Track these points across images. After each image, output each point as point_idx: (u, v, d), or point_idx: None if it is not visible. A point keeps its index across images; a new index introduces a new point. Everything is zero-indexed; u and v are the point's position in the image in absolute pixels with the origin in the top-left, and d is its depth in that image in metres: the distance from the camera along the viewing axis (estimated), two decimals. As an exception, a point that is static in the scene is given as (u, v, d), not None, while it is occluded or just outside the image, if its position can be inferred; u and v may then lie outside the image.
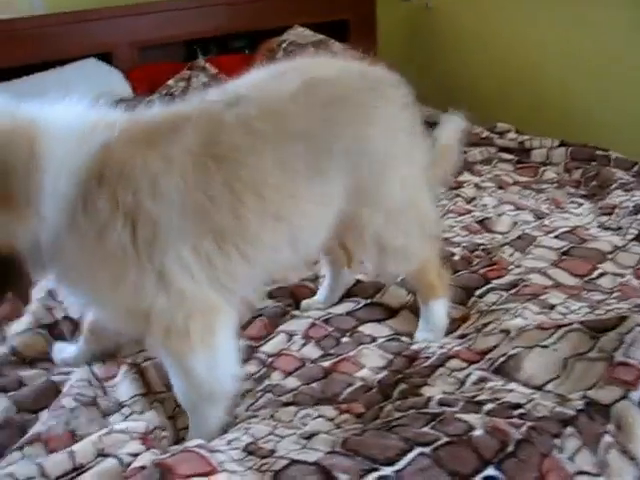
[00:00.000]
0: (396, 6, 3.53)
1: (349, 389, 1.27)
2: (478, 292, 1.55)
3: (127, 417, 1.26)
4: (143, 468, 1.01)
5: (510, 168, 2.38)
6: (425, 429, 1.01)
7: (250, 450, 1.04)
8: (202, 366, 1.15)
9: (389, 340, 1.44)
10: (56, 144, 1.09)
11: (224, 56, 3.09)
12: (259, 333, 1.47)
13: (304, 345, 1.42)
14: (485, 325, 1.36)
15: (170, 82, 2.90)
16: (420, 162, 1.39)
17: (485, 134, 2.54)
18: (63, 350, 1.45)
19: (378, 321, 1.51)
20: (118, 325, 1.23)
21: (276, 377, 1.34)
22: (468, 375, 1.18)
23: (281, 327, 1.48)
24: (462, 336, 1.39)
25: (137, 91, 2.87)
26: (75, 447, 1.15)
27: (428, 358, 1.28)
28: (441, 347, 1.31)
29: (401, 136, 1.34)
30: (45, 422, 1.23)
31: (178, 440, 1.23)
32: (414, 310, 1.51)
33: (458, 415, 1.03)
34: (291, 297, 1.61)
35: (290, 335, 1.45)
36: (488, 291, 1.54)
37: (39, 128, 1.09)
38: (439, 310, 1.46)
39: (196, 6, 3.12)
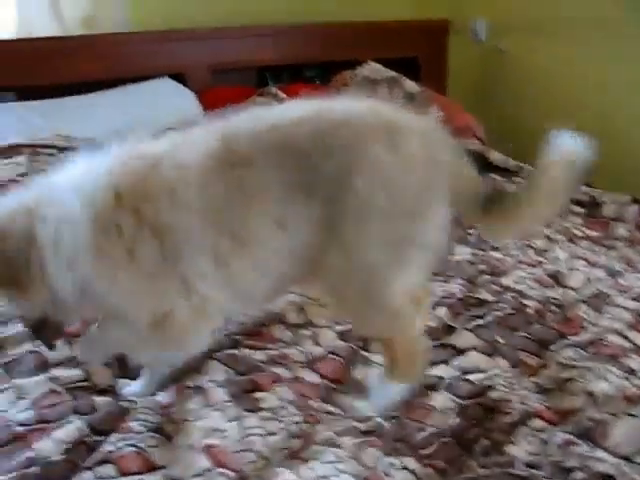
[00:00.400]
0: (468, 48, 3.54)
1: (422, 434, 1.24)
2: (553, 346, 1.52)
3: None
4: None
5: (580, 221, 2.35)
6: (514, 492, 0.99)
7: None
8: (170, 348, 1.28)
9: (456, 381, 1.40)
10: (48, 202, 1.15)
11: (295, 84, 3.11)
12: (334, 375, 1.44)
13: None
14: (566, 381, 1.33)
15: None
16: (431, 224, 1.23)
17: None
18: (127, 385, 1.44)
19: (445, 362, 1.48)
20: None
21: None
22: (552, 436, 1.15)
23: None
24: (540, 387, 1.35)
25: (208, 113, 2.89)
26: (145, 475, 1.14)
27: (508, 414, 1.25)
28: (522, 403, 1.28)
29: (397, 192, 1.18)
30: (114, 442, 1.23)
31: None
32: (483, 350, 1.49)
33: (547, 480, 1.00)
34: (360, 338, 1.59)
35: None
36: (565, 346, 1.50)
37: (32, 206, 1.15)
38: (390, 391, 1.34)
39: (270, 34, 3.17)
